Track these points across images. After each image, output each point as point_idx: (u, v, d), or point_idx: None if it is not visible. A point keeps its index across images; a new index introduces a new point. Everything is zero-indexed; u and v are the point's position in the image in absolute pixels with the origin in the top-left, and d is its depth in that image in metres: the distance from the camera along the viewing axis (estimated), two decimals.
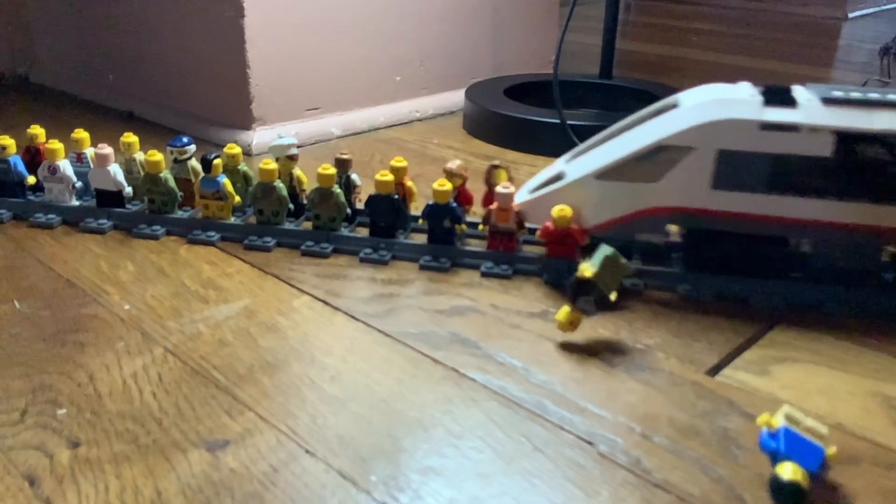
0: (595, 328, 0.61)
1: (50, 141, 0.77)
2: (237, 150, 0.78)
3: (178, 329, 0.60)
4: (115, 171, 0.76)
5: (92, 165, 0.77)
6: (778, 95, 0.62)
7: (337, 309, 0.63)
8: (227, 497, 0.43)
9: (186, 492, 0.43)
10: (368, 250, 0.72)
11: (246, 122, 1.03)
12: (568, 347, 0.58)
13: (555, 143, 1.01)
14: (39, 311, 0.62)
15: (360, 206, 0.77)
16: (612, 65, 1.21)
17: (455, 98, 1.25)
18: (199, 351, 0.57)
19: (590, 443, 0.48)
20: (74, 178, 0.78)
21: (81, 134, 0.82)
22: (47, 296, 0.64)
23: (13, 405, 0.51)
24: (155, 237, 0.75)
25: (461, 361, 0.56)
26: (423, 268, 0.70)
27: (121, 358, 0.56)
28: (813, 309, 0.64)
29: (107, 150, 0.76)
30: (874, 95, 0.60)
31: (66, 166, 0.77)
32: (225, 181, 0.74)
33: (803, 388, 0.54)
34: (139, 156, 0.79)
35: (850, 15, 2.51)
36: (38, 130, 0.83)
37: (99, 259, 0.71)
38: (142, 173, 0.77)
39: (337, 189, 0.72)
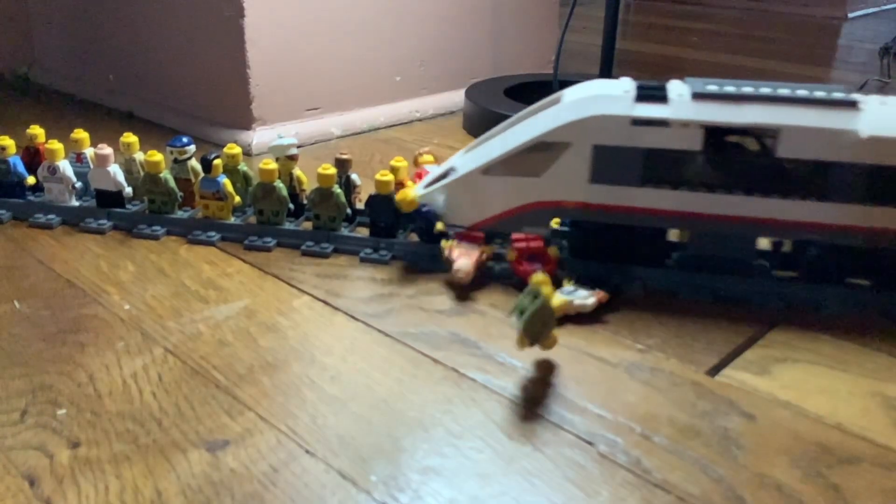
0: (595, 328, 0.61)
1: (49, 141, 0.77)
2: (237, 150, 0.78)
3: (178, 329, 0.60)
4: (115, 171, 0.76)
5: (92, 166, 0.77)
6: (651, 91, 0.63)
7: (337, 309, 0.63)
8: (227, 497, 0.43)
9: (186, 492, 0.43)
10: (368, 250, 0.72)
11: (246, 122, 1.03)
12: (568, 347, 0.58)
13: None
14: (39, 311, 0.62)
15: (360, 206, 0.77)
16: (612, 65, 1.21)
17: (455, 98, 1.25)
18: (199, 351, 0.57)
19: (590, 443, 0.48)
20: (74, 179, 0.78)
21: (81, 134, 0.82)
22: (47, 296, 0.64)
23: (13, 405, 0.51)
24: (155, 237, 0.75)
25: (461, 361, 0.56)
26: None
27: (121, 358, 0.56)
28: (813, 309, 0.64)
29: (106, 150, 0.76)
30: (747, 89, 0.62)
31: (65, 166, 0.77)
32: (225, 181, 0.74)
33: (803, 388, 0.54)
34: (139, 156, 0.79)
35: (850, 15, 2.51)
36: (37, 130, 0.83)
37: (99, 259, 0.71)
38: (142, 173, 0.77)
39: (337, 189, 0.72)
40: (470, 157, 0.68)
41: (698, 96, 0.61)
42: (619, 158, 0.62)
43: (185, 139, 0.77)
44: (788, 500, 0.44)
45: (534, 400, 0.52)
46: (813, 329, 0.61)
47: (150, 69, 1.16)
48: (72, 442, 0.47)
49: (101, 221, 0.77)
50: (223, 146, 0.81)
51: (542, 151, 0.64)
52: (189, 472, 0.45)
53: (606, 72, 1.21)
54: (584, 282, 0.62)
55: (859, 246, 0.62)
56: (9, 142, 0.78)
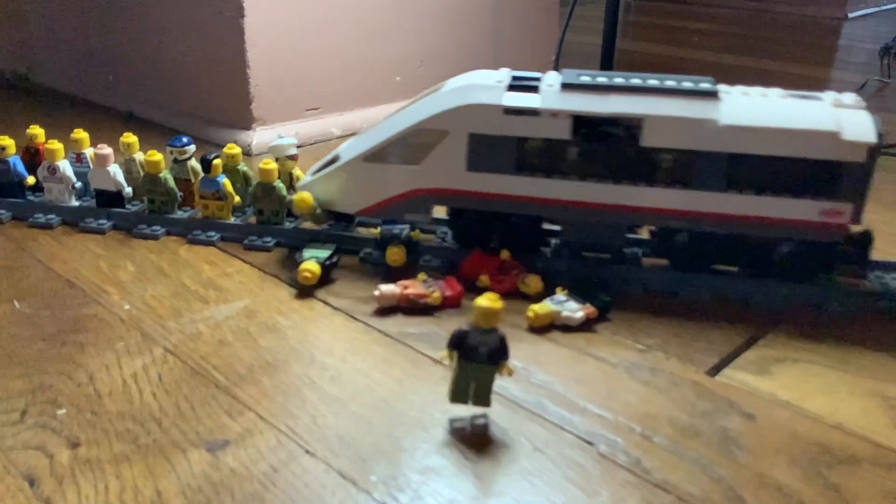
0: (595, 328, 0.61)
1: (49, 141, 0.77)
2: (237, 150, 0.78)
3: (178, 329, 0.60)
4: (115, 171, 0.76)
5: (91, 166, 0.77)
6: (523, 82, 0.65)
7: (337, 309, 0.63)
8: (227, 497, 0.43)
9: (186, 492, 0.43)
10: (368, 250, 0.72)
11: (246, 122, 1.03)
12: (568, 347, 0.58)
13: None
14: (39, 311, 0.62)
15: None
16: (612, 65, 1.21)
17: None
18: (199, 351, 0.57)
19: (590, 443, 0.48)
20: (74, 179, 0.78)
21: (81, 134, 0.82)
22: (47, 296, 0.64)
23: (13, 405, 0.51)
24: (155, 237, 0.75)
25: None
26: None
27: (121, 358, 0.56)
28: (813, 309, 0.64)
29: (106, 150, 0.76)
30: (619, 80, 0.63)
31: (65, 166, 0.77)
32: (225, 181, 0.74)
33: (803, 388, 0.54)
34: (139, 156, 0.79)
35: (850, 15, 2.51)
36: (37, 130, 0.83)
37: (99, 259, 0.71)
38: (141, 173, 0.77)
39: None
40: (354, 145, 0.69)
41: (567, 87, 0.63)
42: (493, 147, 0.64)
43: (185, 139, 0.77)
44: (788, 500, 0.44)
45: (534, 400, 0.52)
46: (813, 329, 0.61)
47: (150, 69, 1.16)
48: (72, 442, 0.47)
49: (101, 221, 0.77)
50: (223, 146, 0.81)
51: (420, 140, 0.66)
52: (189, 472, 0.45)
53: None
54: (576, 293, 0.62)
55: (726, 233, 0.64)
56: (9, 142, 0.78)
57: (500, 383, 0.54)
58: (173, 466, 0.45)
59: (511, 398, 0.52)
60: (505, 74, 0.66)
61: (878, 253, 0.74)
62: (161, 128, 1.12)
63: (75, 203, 0.79)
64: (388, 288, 0.62)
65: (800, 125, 0.60)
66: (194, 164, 0.78)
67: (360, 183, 0.68)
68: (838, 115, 0.60)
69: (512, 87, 0.64)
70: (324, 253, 0.66)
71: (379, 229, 0.72)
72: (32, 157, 0.81)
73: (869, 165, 0.60)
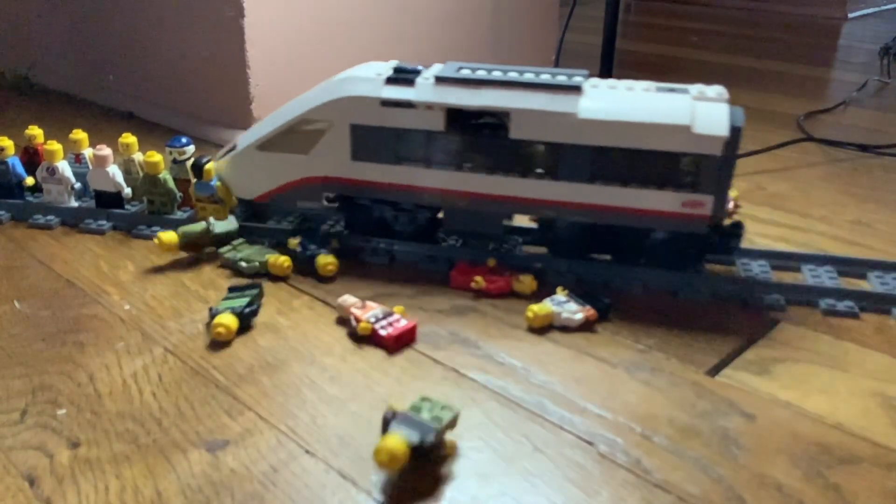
0: (595, 328, 0.61)
1: (48, 142, 0.77)
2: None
3: (178, 329, 0.60)
4: (114, 171, 0.76)
5: (90, 166, 0.77)
6: (403, 74, 0.67)
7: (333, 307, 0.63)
8: (227, 497, 0.43)
9: (186, 492, 0.43)
10: (367, 250, 0.72)
11: (246, 122, 1.03)
12: (568, 347, 0.58)
13: None
14: (39, 311, 0.62)
15: None
16: (612, 65, 1.21)
17: None
18: (199, 351, 0.57)
19: (590, 443, 0.48)
20: (73, 179, 0.78)
21: (80, 134, 0.82)
22: (47, 296, 0.64)
23: (13, 405, 0.51)
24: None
25: (461, 361, 0.56)
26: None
27: (121, 358, 0.56)
28: (813, 309, 0.64)
29: (105, 150, 0.76)
30: (496, 74, 0.66)
31: (64, 167, 0.77)
32: (218, 184, 0.74)
33: (803, 388, 0.54)
34: (138, 156, 0.79)
35: (850, 15, 2.51)
36: (36, 131, 0.83)
37: (99, 259, 0.71)
38: (140, 174, 0.77)
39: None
40: (250, 133, 0.72)
41: (441, 80, 0.65)
42: (374, 137, 0.67)
43: (184, 139, 0.77)
44: (788, 500, 0.44)
45: (534, 400, 0.52)
46: (813, 329, 0.61)
47: (150, 69, 1.16)
48: (72, 442, 0.47)
49: (101, 222, 0.77)
50: (223, 146, 0.81)
51: (307, 129, 0.68)
52: (189, 472, 0.45)
53: (606, 72, 1.22)
54: (578, 294, 0.62)
55: (598, 223, 0.66)
56: (8, 142, 0.78)
57: (500, 383, 0.54)
58: (173, 466, 0.45)
59: (511, 398, 0.52)
60: (388, 66, 0.69)
61: (878, 253, 0.75)
62: (161, 128, 1.12)
63: (74, 204, 0.79)
64: (346, 300, 0.61)
65: (653, 119, 0.61)
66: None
67: (255, 170, 0.71)
68: (695, 109, 0.62)
69: (391, 80, 0.66)
70: (240, 301, 0.60)
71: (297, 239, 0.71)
72: (31, 157, 0.81)
73: (726, 158, 0.61)
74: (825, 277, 0.67)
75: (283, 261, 0.67)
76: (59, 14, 1.31)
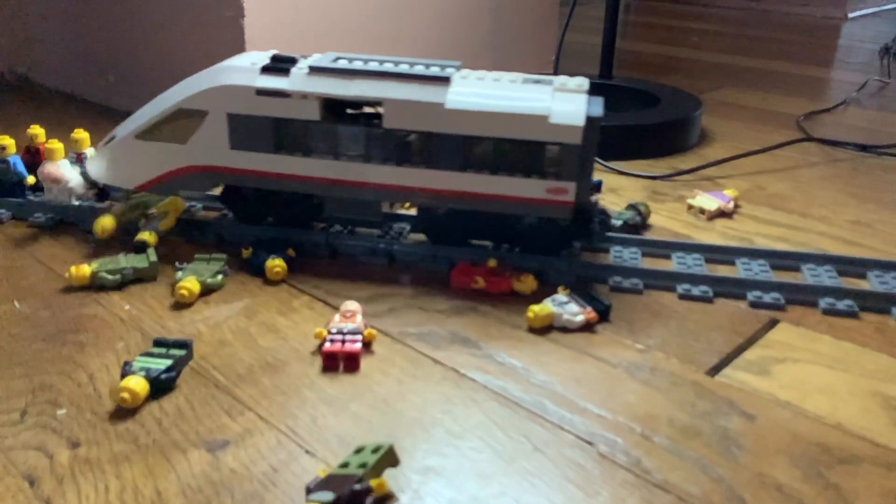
0: (595, 328, 0.61)
1: (50, 141, 0.77)
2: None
3: (178, 329, 0.60)
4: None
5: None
6: (278, 63, 0.67)
7: (337, 309, 0.63)
8: (227, 497, 0.43)
9: (186, 492, 0.43)
10: (368, 251, 0.72)
11: None
12: (568, 347, 0.58)
13: None
14: (39, 311, 0.62)
15: None
16: (612, 65, 1.21)
17: None
18: (199, 351, 0.57)
19: (590, 443, 0.48)
20: (69, 178, 0.78)
21: (81, 134, 0.82)
22: (47, 296, 0.64)
23: (13, 405, 0.51)
24: None
25: (461, 361, 0.56)
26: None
27: (121, 358, 0.56)
28: (813, 308, 0.64)
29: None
30: (373, 64, 0.67)
31: (64, 166, 0.77)
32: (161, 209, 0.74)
33: (803, 388, 0.54)
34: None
35: (850, 15, 2.51)
36: (37, 130, 0.83)
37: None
38: None
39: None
40: (129, 122, 0.72)
41: (315, 70, 0.66)
42: (251, 126, 0.67)
43: None
44: (788, 500, 0.44)
45: (534, 400, 0.52)
46: (813, 329, 0.61)
47: (151, 69, 1.16)
48: (72, 442, 0.47)
49: None
50: None
51: (185, 118, 0.68)
52: (189, 472, 0.45)
53: (606, 72, 1.22)
54: (580, 295, 0.62)
55: (471, 210, 0.68)
56: (9, 141, 0.78)
57: (500, 383, 0.54)
58: (173, 466, 0.45)
59: (511, 398, 0.52)
60: (266, 56, 0.69)
61: (878, 253, 0.75)
62: None
63: (75, 203, 0.79)
64: (345, 305, 0.61)
65: (514, 109, 0.63)
66: None
67: (134, 159, 0.71)
68: (554, 99, 0.64)
69: (266, 69, 0.67)
70: (159, 363, 0.52)
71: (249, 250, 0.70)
72: (33, 156, 0.81)
73: (585, 146, 0.63)
74: (825, 277, 0.67)
75: (277, 265, 0.66)
76: (59, 14, 1.31)
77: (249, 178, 0.69)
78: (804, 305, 0.65)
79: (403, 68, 0.66)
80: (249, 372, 0.55)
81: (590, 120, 0.63)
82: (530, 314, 0.60)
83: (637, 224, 0.78)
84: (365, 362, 0.56)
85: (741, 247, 0.72)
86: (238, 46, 0.99)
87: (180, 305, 0.63)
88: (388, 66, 0.66)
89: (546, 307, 0.60)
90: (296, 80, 0.66)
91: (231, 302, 0.64)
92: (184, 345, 0.55)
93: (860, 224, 0.82)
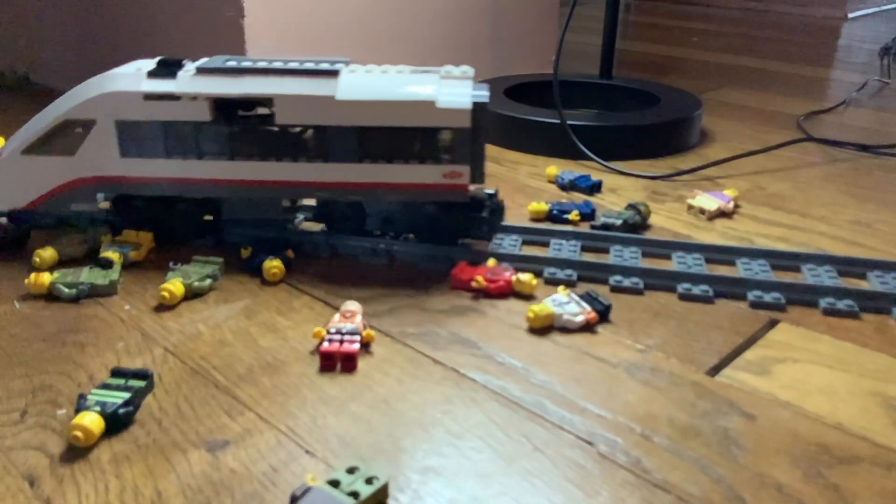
0: (595, 328, 0.61)
1: None
2: None
3: (178, 329, 0.60)
4: None
5: None
6: (165, 67, 0.68)
7: (337, 309, 0.63)
8: (227, 497, 0.43)
9: (186, 492, 0.43)
10: (367, 251, 0.72)
11: None
12: (568, 347, 0.58)
13: (555, 143, 1.01)
14: (39, 311, 0.62)
15: None
16: (612, 65, 1.21)
17: None
18: (199, 351, 0.57)
19: (590, 443, 0.48)
20: None
21: None
22: (47, 295, 0.64)
23: (13, 405, 0.51)
24: None
25: (461, 361, 0.56)
26: None
27: (121, 358, 0.56)
28: (813, 308, 0.64)
29: None
30: (262, 63, 0.67)
31: None
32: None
33: (803, 388, 0.54)
34: None
35: (850, 15, 2.51)
36: None
37: None
38: None
39: None
40: (14, 139, 0.70)
41: (202, 71, 0.66)
42: (140, 132, 0.67)
43: None
44: (788, 500, 0.44)
45: (534, 400, 0.52)
46: (813, 329, 0.61)
47: None
48: (72, 442, 0.47)
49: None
50: None
51: (70, 130, 0.67)
52: (189, 472, 0.45)
53: (606, 72, 1.22)
54: (579, 295, 0.62)
55: (370, 200, 0.69)
56: None
57: (500, 383, 0.54)
58: (173, 466, 0.45)
59: (511, 398, 0.52)
60: (151, 62, 0.70)
61: (878, 253, 0.75)
62: None
63: None
64: (345, 305, 0.61)
65: (402, 97, 0.65)
66: None
67: (21, 177, 0.69)
68: (440, 86, 0.66)
69: (152, 74, 0.67)
70: (116, 397, 0.49)
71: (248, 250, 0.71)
72: None
73: (475, 129, 0.65)
74: (825, 277, 0.67)
75: (274, 266, 0.66)
76: (59, 13, 1.31)
77: (143, 185, 0.69)
78: (804, 305, 0.65)
79: (293, 65, 0.67)
80: (249, 372, 0.55)
81: (476, 104, 0.65)
82: (530, 314, 0.60)
83: (637, 224, 0.78)
84: (365, 362, 0.56)
85: (741, 247, 0.72)
86: (238, 46, 0.99)
87: (181, 306, 0.63)
88: (278, 64, 0.67)
89: (546, 307, 0.60)
90: (183, 82, 0.66)
91: (231, 302, 0.64)
92: (144, 375, 0.51)
93: (860, 224, 0.82)
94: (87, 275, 0.64)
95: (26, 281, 0.64)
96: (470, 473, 0.45)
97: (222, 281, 0.67)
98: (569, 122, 0.99)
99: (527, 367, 0.56)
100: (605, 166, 0.97)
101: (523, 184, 0.92)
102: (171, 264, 0.67)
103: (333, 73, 0.66)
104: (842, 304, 0.64)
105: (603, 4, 1.15)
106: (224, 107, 0.67)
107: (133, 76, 0.67)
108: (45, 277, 0.64)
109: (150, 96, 0.65)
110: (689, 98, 1.15)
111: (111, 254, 0.67)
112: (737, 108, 1.31)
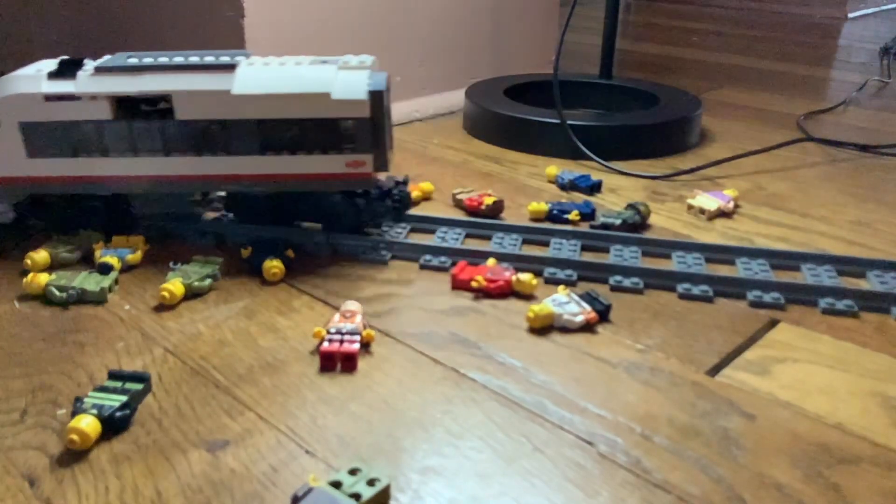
0: (595, 328, 0.61)
1: None
2: None
3: (178, 329, 0.60)
4: None
5: None
6: (65, 67, 0.68)
7: (337, 309, 0.63)
8: (227, 497, 0.43)
9: (186, 492, 0.43)
10: (366, 250, 0.72)
11: None
12: (568, 347, 0.58)
13: (555, 143, 1.01)
14: (39, 311, 0.62)
15: None
16: (612, 65, 1.21)
17: (455, 98, 1.25)
18: (199, 351, 0.57)
19: (590, 443, 0.48)
20: None
21: None
22: (45, 296, 0.64)
23: (13, 405, 0.51)
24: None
25: (461, 361, 0.56)
26: None
27: (121, 358, 0.56)
28: (813, 308, 0.64)
29: None
30: (163, 60, 0.68)
31: None
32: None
33: (803, 388, 0.54)
34: None
35: (850, 15, 2.51)
36: None
37: None
38: None
39: None
40: None
41: (101, 70, 0.67)
42: (45, 133, 0.68)
43: None
44: (788, 500, 0.44)
45: (534, 400, 0.52)
46: (813, 329, 0.61)
47: None
48: (68, 445, 0.47)
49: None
50: None
51: None
52: (189, 472, 0.45)
53: (606, 72, 1.22)
54: (579, 295, 0.62)
55: (276, 191, 0.70)
56: None
57: (500, 383, 0.54)
58: (173, 466, 0.45)
59: (511, 398, 0.52)
60: (53, 62, 0.70)
61: (878, 253, 0.75)
62: None
63: None
64: (345, 305, 0.61)
65: (298, 89, 0.66)
66: None
67: None
68: (336, 78, 0.67)
69: (53, 74, 0.67)
70: (114, 400, 0.49)
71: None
72: None
73: (374, 119, 0.67)
74: (824, 276, 0.67)
75: (274, 266, 0.66)
76: (59, 13, 1.31)
77: (52, 185, 0.70)
78: (804, 305, 0.65)
79: (193, 60, 0.67)
80: (249, 372, 0.55)
81: (372, 94, 0.66)
82: (530, 314, 0.60)
83: (636, 224, 0.78)
84: (365, 362, 0.56)
85: (741, 246, 0.72)
86: (238, 46, 0.99)
87: (181, 306, 0.63)
88: (179, 60, 0.67)
89: (546, 307, 0.60)
90: (82, 83, 0.66)
91: (231, 302, 0.64)
92: (141, 378, 0.51)
93: (860, 224, 0.82)
94: (81, 280, 0.64)
95: (24, 281, 0.64)
96: (470, 473, 0.45)
97: (222, 281, 0.67)
98: (569, 122, 0.99)
99: (527, 367, 0.56)
100: (605, 166, 0.97)
101: (523, 184, 0.92)
102: (171, 264, 0.67)
103: (230, 68, 0.67)
104: (841, 304, 0.64)
105: (603, 4, 1.15)
106: (126, 104, 0.68)
107: (34, 78, 0.68)
108: (42, 278, 0.64)
109: (50, 97, 0.66)
110: (689, 98, 1.15)
111: (110, 258, 0.67)
112: (737, 108, 1.31)
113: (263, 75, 0.67)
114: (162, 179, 0.69)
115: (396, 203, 0.74)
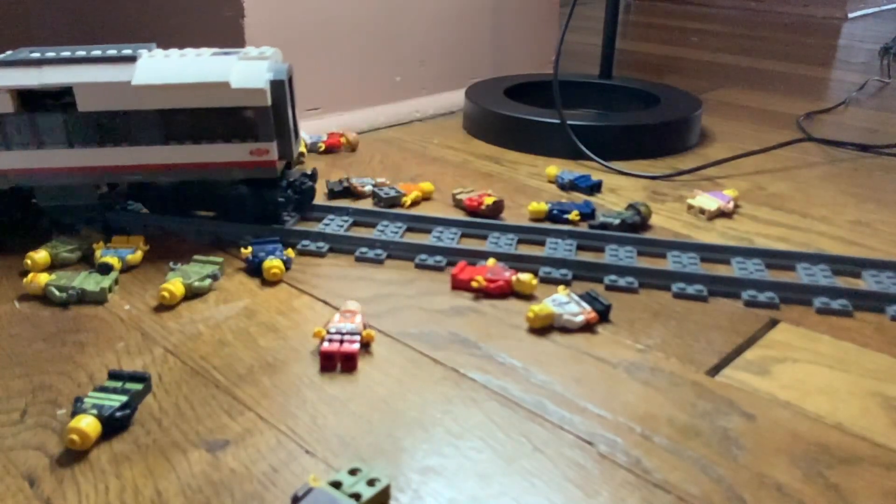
0: (595, 328, 0.61)
1: None
2: None
3: (178, 329, 0.60)
4: None
5: None
6: None
7: (337, 309, 0.63)
8: (227, 497, 0.43)
9: (186, 492, 0.43)
10: (364, 249, 0.72)
11: None
12: (568, 347, 0.58)
13: (555, 143, 1.01)
14: (39, 311, 0.62)
15: None
16: (612, 65, 1.21)
17: (455, 98, 1.25)
18: (199, 351, 0.57)
19: (590, 443, 0.48)
20: None
21: None
22: (45, 296, 0.64)
23: (13, 405, 0.51)
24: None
25: (461, 361, 0.56)
26: None
27: (121, 358, 0.56)
28: (809, 308, 0.64)
29: None
30: (66, 53, 0.69)
31: None
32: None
33: (803, 388, 0.54)
34: None
35: (850, 15, 2.51)
36: None
37: None
38: None
39: None
40: None
41: (2, 64, 0.68)
42: None
43: None
44: (788, 500, 0.44)
45: (534, 400, 0.52)
46: (813, 329, 0.61)
47: None
48: (68, 445, 0.47)
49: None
50: None
51: None
52: (189, 472, 0.45)
53: (606, 72, 1.22)
54: (579, 295, 0.62)
55: (182, 181, 0.72)
56: None
57: (500, 383, 0.54)
58: (173, 466, 0.45)
59: (511, 398, 0.52)
60: None
61: (878, 253, 0.75)
62: None
63: None
64: (346, 305, 0.61)
65: (197, 79, 0.67)
66: None
67: None
68: (235, 68, 0.68)
69: None
70: (114, 400, 0.49)
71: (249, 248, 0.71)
72: None
73: (276, 108, 0.69)
74: (820, 276, 0.67)
75: (274, 266, 0.66)
76: (59, 14, 1.31)
77: None
78: (799, 304, 0.65)
79: (96, 53, 0.68)
80: (249, 372, 0.55)
81: (272, 83, 0.68)
82: (530, 314, 0.60)
83: (636, 224, 0.78)
84: (365, 362, 0.56)
85: (736, 246, 0.72)
86: (238, 46, 0.99)
87: (181, 306, 0.63)
88: (81, 53, 0.68)
89: (546, 307, 0.60)
90: None
91: (231, 302, 0.64)
92: (141, 378, 0.51)
93: (860, 224, 0.82)
94: (81, 280, 0.64)
95: (24, 281, 0.64)
96: (470, 473, 0.45)
97: (222, 281, 0.67)
98: (569, 122, 0.99)
99: (527, 367, 0.56)
100: (605, 166, 0.97)
101: (523, 184, 0.92)
102: (171, 264, 0.67)
103: (131, 59, 0.68)
104: (836, 304, 0.64)
105: (603, 4, 1.15)
106: (29, 97, 0.68)
107: None
108: (42, 278, 0.64)
109: None
110: (689, 98, 1.15)
111: (110, 258, 0.67)
112: (737, 108, 1.31)
113: (163, 66, 0.68)
114: (65, 171, 0.70)
115: (298, 195, 0.75)
